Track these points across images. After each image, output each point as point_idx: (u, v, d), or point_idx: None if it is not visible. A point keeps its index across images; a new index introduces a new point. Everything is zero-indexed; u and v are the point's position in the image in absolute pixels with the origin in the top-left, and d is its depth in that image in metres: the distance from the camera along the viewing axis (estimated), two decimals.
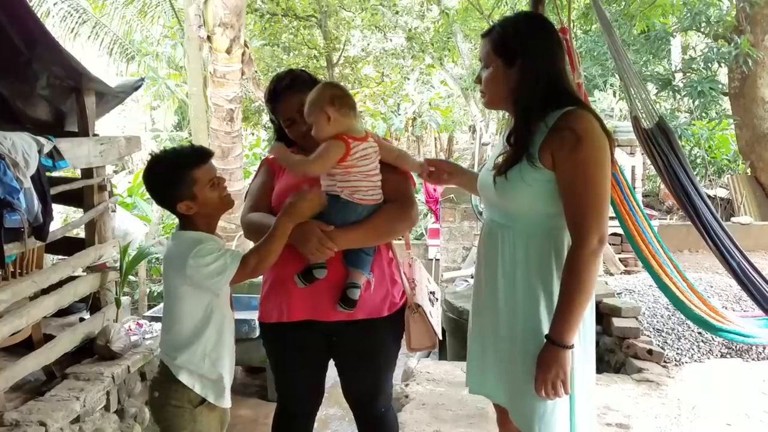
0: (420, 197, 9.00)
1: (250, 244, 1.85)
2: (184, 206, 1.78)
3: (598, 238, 1.56)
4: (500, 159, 1.68)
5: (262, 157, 2.23)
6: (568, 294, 1.58)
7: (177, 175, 1.76)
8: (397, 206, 1.93)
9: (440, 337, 2.06)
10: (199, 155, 1.80)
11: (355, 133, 1.86)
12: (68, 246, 3.62)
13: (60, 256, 4.00)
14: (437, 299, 2.16)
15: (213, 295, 1.79)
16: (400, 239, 2.16)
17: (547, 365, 1.59)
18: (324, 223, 1.82)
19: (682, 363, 3.77)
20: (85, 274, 3.64)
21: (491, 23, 1.78)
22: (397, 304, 2.00)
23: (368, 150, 1.86)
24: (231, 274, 1.74)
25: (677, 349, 3.90)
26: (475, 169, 2.45)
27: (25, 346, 3.15)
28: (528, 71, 1.61)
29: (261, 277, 2.00)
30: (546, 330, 1.63)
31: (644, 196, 8.23)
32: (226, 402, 1.88)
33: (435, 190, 7.89)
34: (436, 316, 2.06)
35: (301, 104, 1.87)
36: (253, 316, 3.95)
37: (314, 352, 2.04)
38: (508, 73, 1.63)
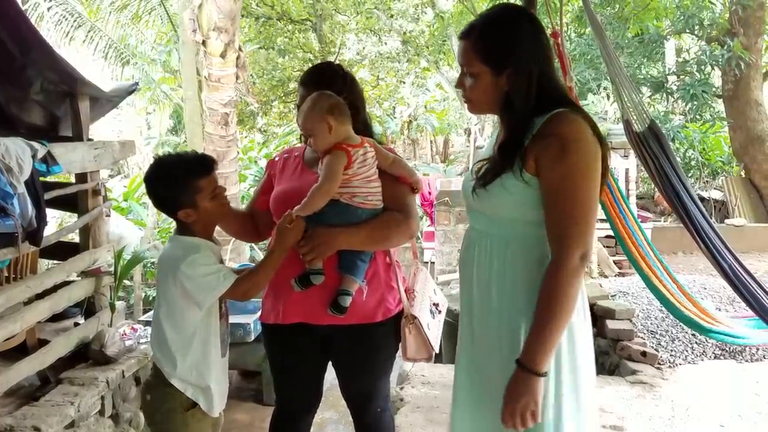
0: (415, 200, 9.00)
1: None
2: (184, 214, 1.78)
3: (580, 254, 1.38)
4: (480, 166, 1.55)
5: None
6: (543, 316, 1.39)
7: (182, 183, 1.75)
8: (397, 214, 1.93)
9: (436, 351, 2.04)
10: (206, 164, 1.80)
11: (352, 140, 1.86)
12: (63, 251, 3.60)
13: (54, 261, 3.98)
14: (440, 311, 2.14)
15: (197, 308, 1.78)
16: (407, 246, 2.16)
17: (516, 394, 1.39)
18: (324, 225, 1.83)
19: (676, 365, 3.78)
20: (79, 278, 3.62)
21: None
22: (392, 311, 1.99)
23: (367, 155, 1.87)
24: (219, 294, 1.76)
25: (671, 350, 3.91)
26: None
27: (20, 351, 3.13)
28: (520, 79, 1.45)
29: None
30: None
31: (638, 198, 8.26)
32: (215, 412, 1.89)
33: (430, 193, 7.91)
34: (434, 329, 2.05)
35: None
36: (248, 320, 3.95)
37: (311, 354, 2.05)
38: (496, 81, 1.48)
